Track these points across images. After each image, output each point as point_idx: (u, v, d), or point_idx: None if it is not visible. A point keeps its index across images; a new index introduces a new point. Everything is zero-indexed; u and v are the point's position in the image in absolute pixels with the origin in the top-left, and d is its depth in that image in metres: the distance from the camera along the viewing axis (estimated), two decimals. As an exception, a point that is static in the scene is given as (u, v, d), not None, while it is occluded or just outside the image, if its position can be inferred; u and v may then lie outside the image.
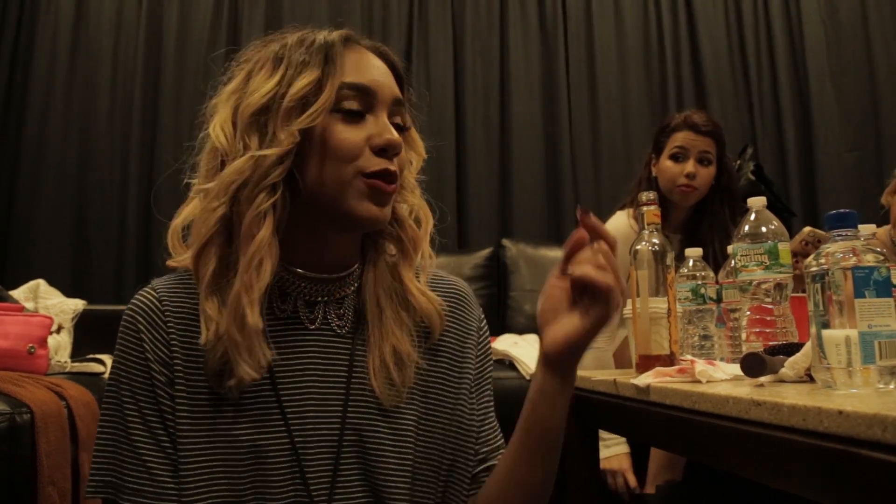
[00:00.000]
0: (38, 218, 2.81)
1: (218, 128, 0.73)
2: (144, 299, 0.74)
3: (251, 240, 0.69)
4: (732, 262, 1.11)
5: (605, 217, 1.94)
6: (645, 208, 1.05)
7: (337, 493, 0.72)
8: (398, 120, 0.77)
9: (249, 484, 0.70)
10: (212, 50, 3.03)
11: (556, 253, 2.79)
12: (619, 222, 1.85)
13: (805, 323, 0.79)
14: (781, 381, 0.81)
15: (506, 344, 2.27)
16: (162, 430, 0.70)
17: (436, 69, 3.17)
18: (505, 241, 2.93)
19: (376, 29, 3.17)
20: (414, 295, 0.79)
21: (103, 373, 1.70)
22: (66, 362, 1.73)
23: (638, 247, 1.04)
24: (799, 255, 1.47)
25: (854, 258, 0.69)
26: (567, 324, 0.71)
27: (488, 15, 3.27)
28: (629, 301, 1.06)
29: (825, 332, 0.70)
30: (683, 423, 0.81)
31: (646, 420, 0.93)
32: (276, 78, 0.72)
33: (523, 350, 2.19)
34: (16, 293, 2.04)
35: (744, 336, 1.02)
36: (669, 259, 1.03)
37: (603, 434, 1.84)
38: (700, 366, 0.89)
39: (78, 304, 2.05)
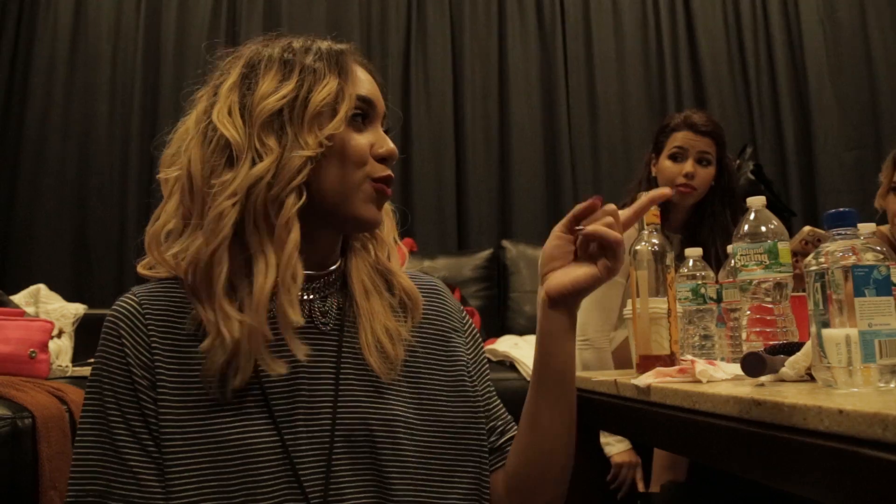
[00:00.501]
0: (39, 223, 2.81)
1: (224, 120, 0.73)
2: (125, 305, 0.74)
3: (284, 243, 0.70)
4: (732, 261, 1.11)
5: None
6: (644, 208, 1.05)
7: (332, 489, 0.72)
8: (385, 130, 0.81)
9: (239, 485, 0.69)
10: (210, 53, 3.02)
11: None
12: (619, 222, 1.85)
13: (805, 322, 0.79)
14: (782, 380, 0.81)
15: (506, 345, 2.27)
16: (146, 435, 0.70)
17: (434, 72, 3.18)
18: (505, 243, 2.93)
19: (374, 32, 3.18)
20: (395, 273, 0.83)
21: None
22: (67, 367, 1.73)
23: (637, 247, 1.04)
24: (799, 254, 1.47)
25: (854, 257, 0.69)
26: (575, 270, 0.80)
27: (486, 17, 3.27)
28: (629, 301, 1.06)
29: (825, 332, 0.70)
30: (684, 424, 0.81)
31: (646, 420, 0.93)
32: (292, 83, 0.73)
33: (524, 351, 2.19)
34: (16, 298, 2.04)
35: (744, 336, 1.02)
36: (669, 259, 1.03)
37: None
38: (700, 366, 0.89)
39: (78, 309, 2.06)
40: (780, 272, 1.00)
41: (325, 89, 0.73)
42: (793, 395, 0.65)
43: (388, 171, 0.78)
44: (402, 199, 2.97)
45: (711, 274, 1.25)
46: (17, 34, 2.93)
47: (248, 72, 0.76)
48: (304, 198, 0.71)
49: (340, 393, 0.75)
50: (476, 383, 0.85)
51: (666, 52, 3.29)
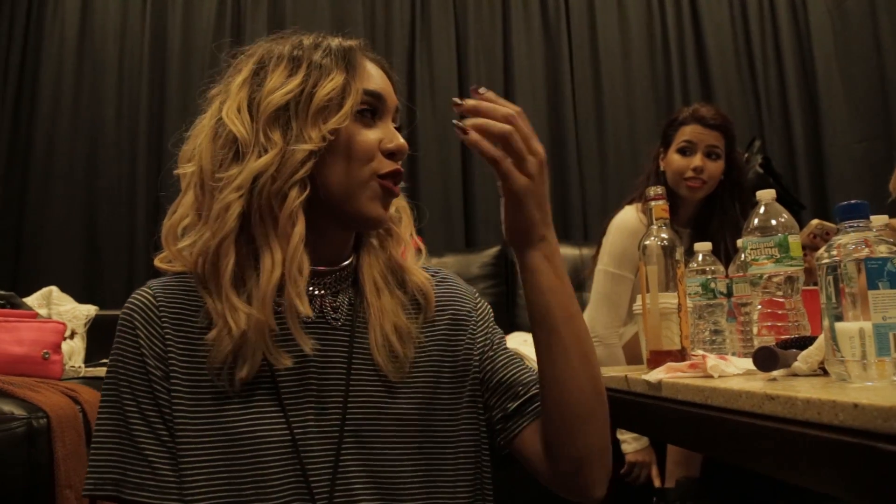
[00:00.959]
0: (50, 226, 2.83)
1: (232, 116, 0.74)
2: (140, 297, 0.75)
3: (288, 237, 0.71)
4: (742, 255, 1.11)
5: (612, 213, 1.94)
6: (653, 203, 1.05)
7: (338, 486, 0.73)
8: (398, 124, 0.81)
9: (249, 476, 0.70)
10: (215, 56, 3.03)
11: (564, 250, 2.79)
12: (627, 217, 1.85)
13: (817, 316, 0.79)
14: (795, 374, 0.81)
15: (515, 342, 2.27)
16: (161, 425, 0.71)
17: (439, 70, 3.17)
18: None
19: (379, 31, 3.17)
20: (409, 270, 0.83)
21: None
22: (79, 367, 1.74)
23: (647, 242, 1.03)
24: (808, 247, 1.46)
25: (866, 249, 0.69)
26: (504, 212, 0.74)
27: (490, 14, 3.26)
28: (639, 297, 1.06)
29: (838, 325, 0.69)
30: (696, 419, 0.81)
31: (658, 416, 0.93)
32: (299, 78, 0.74)
33: (533, 348, 2.18)
34: (30, 300, 2.06)
35: (755, 330, 1.02)
36: (679, 254, 1.03)
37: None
38: (712, 360, 0.89)
39: (90, 310, 2.07)
40: (791, 266, 0.99)
41: (331, 83, 0.73)
42: (806, 389, 0.65)
43: (396, 166, 0.77)
44: (408, 197, 2.96)
45: (721, 268, 1.24)
46: (24, 42, 2.95)
47: (258, 68, 0.77)
48: (307, 191, 0.72)
49: (351, 389, 0.76)
50: (486, 368, 0.84)
51: (672, 45, 3.27)
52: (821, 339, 0.78)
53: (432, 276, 0.86)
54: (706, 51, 3.25)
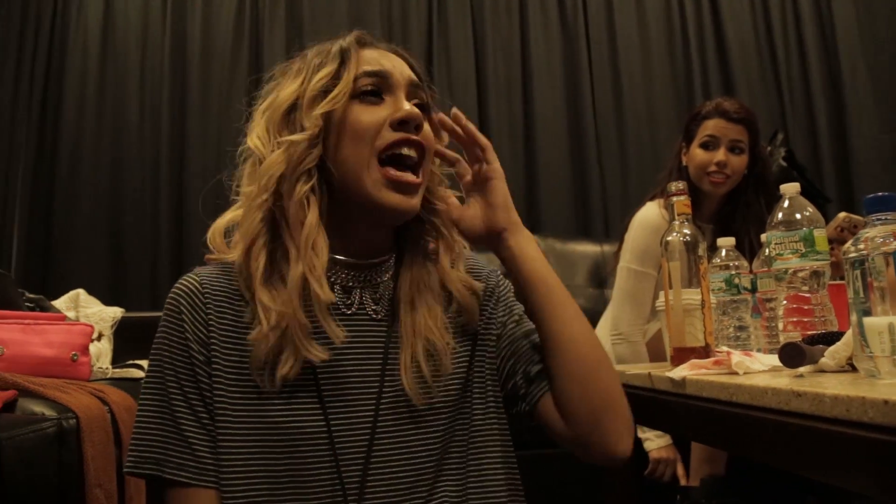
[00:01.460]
0: (76, 230, 2.87)
1: (255, 137, 0.79)
2: (187, 283, 0.77)
3: (301, 225, 0.74)
4: (766, 250, 1.09)
5: (633, 209, 1.92)
6: (675, 198, 1.04)
7: (370, 478, 0.73)
8: (419, 101, 0.81)
9: (285, 466, 0.72)
10: (236, 56, 3.06)
11: (585, 247, 2.78)
12: (649, 213, 1.83)
13: (844, 311, 0.78)
14: (822, 371, 0.79)
15: (537, 339, 2.26)
16: (202, 408, 0.73)
17: (457, 67, 3.17)
18: (533, 236, 2.91)
19: (396, 29, 3.18)
20: (457, 287, 0.82)
21: (143, 378, 1.73)
22: (107, 368, 1.76)
23: (669, 238, 1.02)
24: (834, 241, 1.44)
25: (895, 242, 0.68)
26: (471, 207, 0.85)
27: (507, 8, 3.25)
28: (662, 293, 1.05)
29: (867, 320, 0.68)
30: (721, 416, 0.80)
31: (682, 413, 0.92)
32: (300, 80, 0.79)
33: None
34: (58, 303, 2.09)
35: (781, 326, 1.01)
36: (701, 249, 1.01)
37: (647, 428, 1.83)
38: (737, 357, 0.88)
39: (116, 312, 2.10)
40: (816, 260, 0.98)
41: (322, 72, 0.78)
42: (834, 385, 0.64)
43: (403, 135, 0.76)
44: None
45: (745, 263, 1.23)
46: (49, 51, 2.99)
47: (272, 88, 0.82)
48: (314, 179, 0.75)
49: (386, 380, 0.76)
50: (508, 335, 0.84)
51: (691, 36, 3.23)
52: (849, 335, 0.76)
53: (471, 265, 0.88)
54: (726, 42, 3.21)
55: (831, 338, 0.83)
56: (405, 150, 0.77)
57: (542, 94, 3.17)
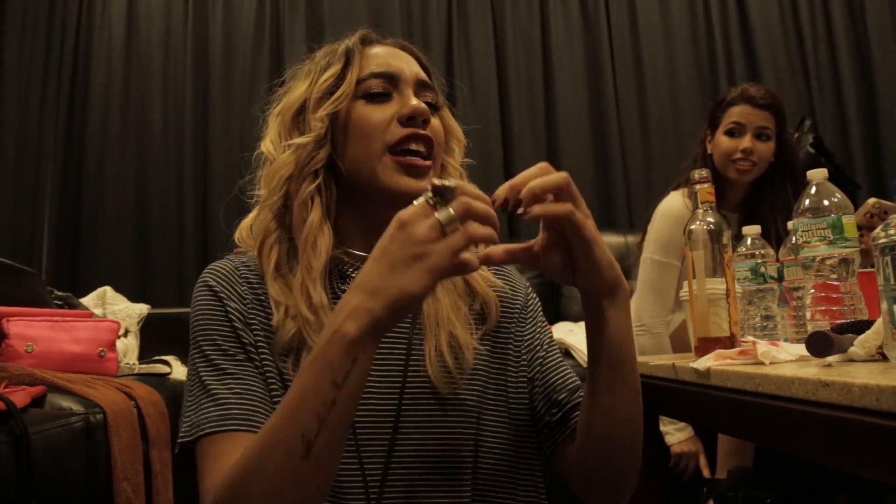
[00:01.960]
0: (103, 229, 2.92)
1: (268, 142, 0.81)
2: (220, 264, 0.80)
3: (303, 224, 0.75)
4: (793, 238, 1.07)
5: (657, 199, 1.90)
6: (698, 186, 1.02)
7: (392, 471, 0.74)
8: (428, 99, 0.81)
9: None
10: (257, 56, 3.08)
11: (609, 238, 2.75)
12: (673, 203, 1.80)
13: (875, 300, 0.75)
14: (851, 360, 0.77)
15: (561, 332, 2.25)
16: (238, 347, 0.73)
17: (477, 60, 3.15)
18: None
19: (416, 24, 3.17)
20: (477, 281, 0.83)
21: (169, 373, 1.76)
22: (133, 364, 1.79)
23: (692, 227, 1.01)
24: (864, 228, 1.40)
25: (926, 228, 0.66)
26: (581, 249, 0.65)
27: (528, 3, 3.23)
28: (686, 283, 1.04)
29: (897, 307, 0.66)
30: (746, 407, 0.79)
31: (707, 404, 0.91)
32: (308, 82, 0.81)
33: (579, 338, 2.16)
34: (85, 300, 2.13)
35: (808, 315, 0.98)
36: (726, 238, 0.99)
37: (672, 419, 1.81)
38: (763, 347, 0.86)
39: (143, 309, 2.13)
40: (845, 247, 0.95)
41: (325, 75, 0.79)
42: (864, 375, 0.62)
43: (411, 130, 0.76)
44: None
45: (771, 252, 1.20)
46: (74, 52, 3.05)
47: (284, 92, 0.84)
48: (319, 179, 0.76)
49: (410, 370, 0.77)
50: (536, 368, 0.83)
51: (715, 22, 3.18)
52: (879, 323, 0.74)
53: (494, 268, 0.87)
54: (751, 26, 3.15)
55: (861, 326, 0.81)
56: (413, 146, 0.77)
57: (563, 85, 3.14)
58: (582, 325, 2.32)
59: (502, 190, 0.62)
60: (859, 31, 3.12)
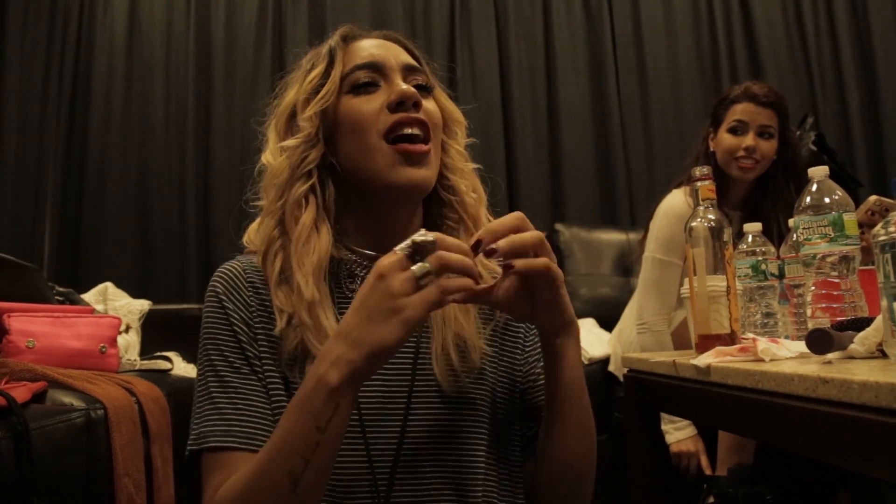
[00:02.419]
0: (105, 225, 2.92)
1: (267, 152, 0.82)
2: (229, 268, 0.80)
3: (295, 223, 0.75)
4: (794, 235, 1.07)
5: (659, 196, 1.89)
6: (699, 183, 1.02)
7: (401, 465, 0.74)
8: (418, 81, 0.80)
9: None
10: (259, 54, 3.08)
11: (611, 235, 2.76)
12: (675, 202, 1.80)
13: (875, 297, 0.75)
14: (851, 357, 0.77)
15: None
16: (243, 361, 0.74)
17: (480, 57, 3.15)
18: (558, 226, 2.89)
19: (419, 21, 3.17)
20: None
21: (170, 369, 1.76)
22: (135, 360, 1.79)
23: (693, 224, 1.00)
24: (865, 225, 1.40)
25: (926, 225, 0.66)
26: (543, 295, 0.70)
27: (531, -1, 3.22)
28: (686, 280, 1.04)
29: (897, 305, 0.66)
30: (747, 404, 0.79)
31: (707, 401, 0.91)
32: (296, 87, 0.81)
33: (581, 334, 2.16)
34: (87, 296, 2.13)
35: (809, 312, 0.98)
36: (727, 235, 0.99)
37: (672, 418, 1.81)
38: (763, 344, 0.86)
39: (144, 305, 2.13)
40: (846, 245, 0.95)
41: (310, 76, 0.79)
42: (863, 372, 0.63)
43: (398, 117, 0.75)
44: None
45: (772, 249, 1.20)
46: (77, 48, 3.04)
47: (278, 102, 0.84)
48: (313, 178, 0.76)
49: (419, 369, 0.77)
50: (530, 381, 0.84)
51: (718, 19, 3.17)
52: (879, 320, 0.74)
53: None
54: (754, 23, 3.15)
55: (861, 324, 0.81)
56: (408, 130, 0.76)
57: (565, 82, 3.14)
58: (583, 322, 2.33)
59: (484, 233, 0.66)
60: (862, 29, 3.11)
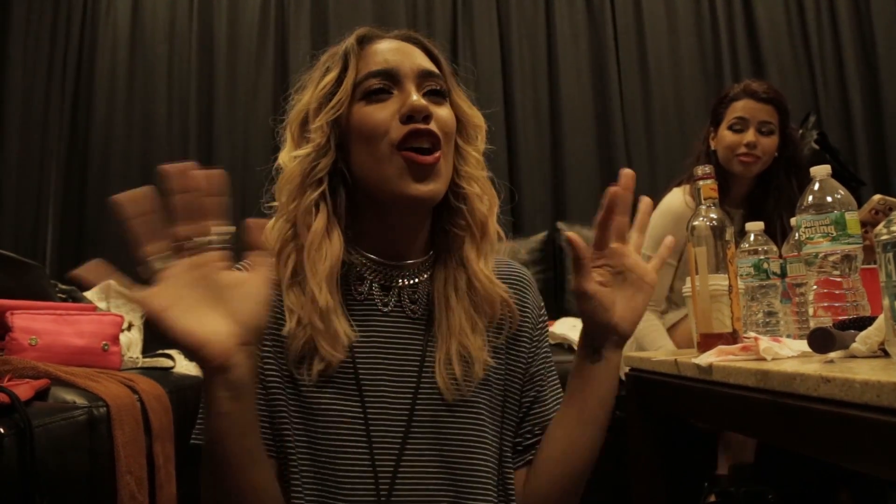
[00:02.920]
0: (108, 222, 2.92)
1: (283, 153, 0.81)
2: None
3: (307, 230, 0.76)
4: (796, 234, 1.07)
5: (660, 194, 1.89)
6: (701, 182, 1.02)
7: (403, 465, 0.75)
8: (433, 87, 0.79)
9: (324, 445, 0.75)
10: (261, 51, 3.08)
11: (612, 234, 2.74)
12: (672, 201, 1.80)
13: (877, 296, 0.75)
14: (853, 356, 0.77)
15: (564, 327, 2.25)
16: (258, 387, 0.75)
17: (482, 55, 3.15)
18: (560, 225, 2.89)
19: (421, 20, 3.16)
20: (480, 280, 0.81)
21: (172, 367, 1.76)
22: (137, 358, 1.80)
23: (695, 223, 1.00)
24: (869, 224, 1.40)
25: (929, 224, 0.65)
26: (634, 300, 0.79)
27: (532, -3, 3.22)
28: (688, 279, 1.04)
29: (899, 304, 0.66)
30: (748, 403, 0.79)
31: (709, 400, 0.91)
32: (311, 89, 0.81)
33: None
34: (89, 294, 2.13)
35: (811, 311, 0.98)
36: (729, 234, 0.99)
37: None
38: (765, 343, 0.86)
39: (146, 303, 2.12)
40: (848, 244, 0.95)
41: (323, 82, 0.79)
42: (865, 371, 0.62)
43: (409, 128, 0.74)
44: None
45: (774, 248, 1.20)
46: (80, 45, 3.05)
47: (293, 102, 0.84)
48: (324, 185, 0.76)
49: (423, 376, 0.78)
50: (529, 389, 0.85)
51: (720, 17, 3.16)
52: (881, 320, 0.74)
53: (507, 276, 0.86)
54: (756, 22, 3.14)
55: (863, 323, 0.81)
56: (416, 144, 0.76)
57: (568, 80, 3.14)
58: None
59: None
60: (864, 28, 3.10)
